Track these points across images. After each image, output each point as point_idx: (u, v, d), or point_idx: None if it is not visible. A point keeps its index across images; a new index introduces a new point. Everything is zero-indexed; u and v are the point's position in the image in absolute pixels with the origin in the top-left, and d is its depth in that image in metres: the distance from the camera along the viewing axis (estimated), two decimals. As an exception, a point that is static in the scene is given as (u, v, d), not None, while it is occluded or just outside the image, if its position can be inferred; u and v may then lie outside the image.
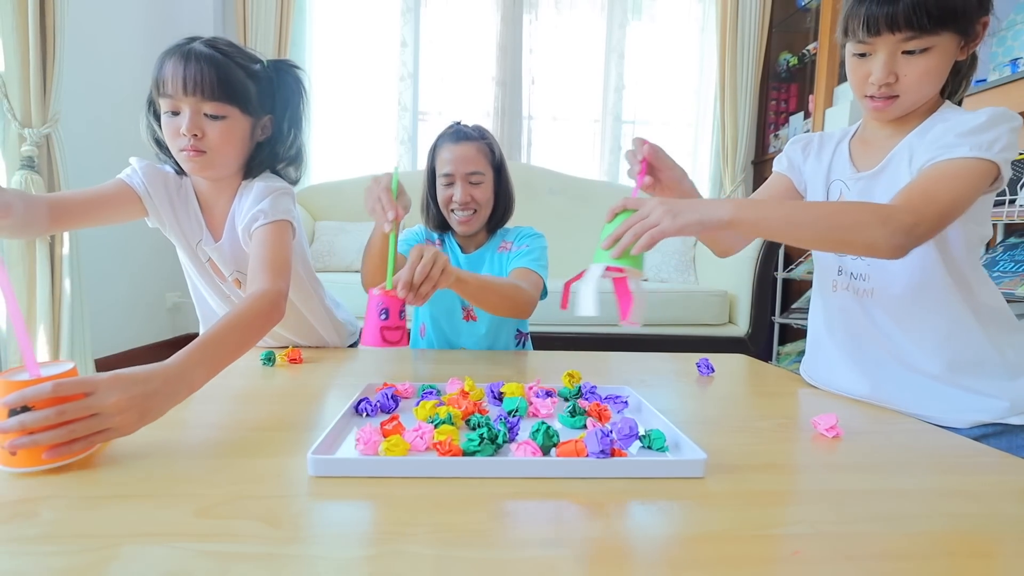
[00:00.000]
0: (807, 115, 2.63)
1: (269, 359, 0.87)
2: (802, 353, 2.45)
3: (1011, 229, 1.60)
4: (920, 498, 0.45)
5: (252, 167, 0.86)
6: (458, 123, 1.14)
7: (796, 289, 2.56)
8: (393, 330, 0.73)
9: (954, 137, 0.66)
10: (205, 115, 0.77)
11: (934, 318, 0.73)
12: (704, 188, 2.93)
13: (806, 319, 2.32)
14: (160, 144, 0.84)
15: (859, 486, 0.47)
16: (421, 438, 0.51)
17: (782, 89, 3.01)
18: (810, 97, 2.63)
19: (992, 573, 0.35)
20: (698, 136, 2.95)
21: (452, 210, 1.08)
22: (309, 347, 1.04)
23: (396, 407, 0.63)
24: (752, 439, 0.58)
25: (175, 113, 0.77)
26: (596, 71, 2.88)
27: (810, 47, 2.71)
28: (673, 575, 0.34)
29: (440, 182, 1.09)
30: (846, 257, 0.80)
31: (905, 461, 0.55)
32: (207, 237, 0.89)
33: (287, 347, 0.94)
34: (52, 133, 1.71)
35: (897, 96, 0.71)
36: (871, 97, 0.73)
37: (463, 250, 1.17)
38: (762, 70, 2.84)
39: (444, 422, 0.54)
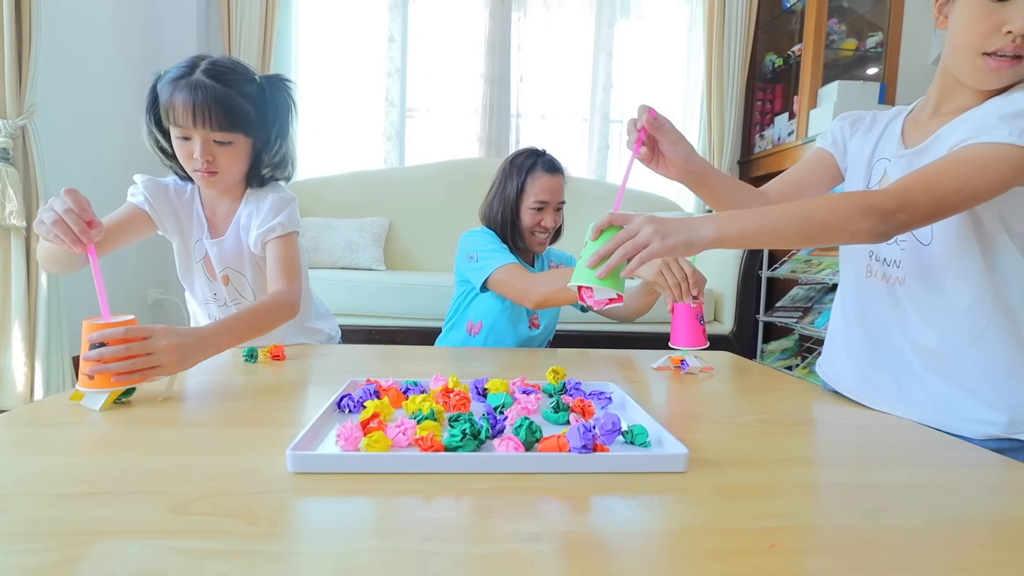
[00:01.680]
0: (792, 116, 2.66)
1: (251, 355, 0.86)
2: (786, 351, 2.47)
3: None
4: (896, 491, 0.46)
5: (252, 175, 0.96)
6: (544, 152, 1.23)
7: (780, 288, 2.59)
8: (703, 333, 0.90)
9: (997, 118, 0.59)
10: (214, 141, 0.85)
11: (963, 317, 0.66)
12: (691, 187, 2.95)
13: (790, 318, 2.35)
14: (164, 152, 0.91)
15: (836, 480, 0.48)
16: (403, 434, 0.50)
17: (768, 90, 3.04)
18: (795, 98, 2.66)
19: (966, 564, 0.36)
20: (685, 135, 2.97)
21: (534, 232, 1.20)
22: (292, 344, 1.03)
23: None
24: (734, 434, 0.59)
25: (186, 139, 0.85)
26: (584, 69, 2.88)
27: (795, 49, 2.74)
28: (652, 568, 0.34)
29: (531, 206, 1.18)
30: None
31: (881, 455, 0.56)
32: (207, 235, 0.96)
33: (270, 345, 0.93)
34: (28, 125, 1.67)
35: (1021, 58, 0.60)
36: (992, 55, 0.61)
37: (530, 263, 1.29)
38: (748, 71, 2.87)
39: (427, 418, 0.54)
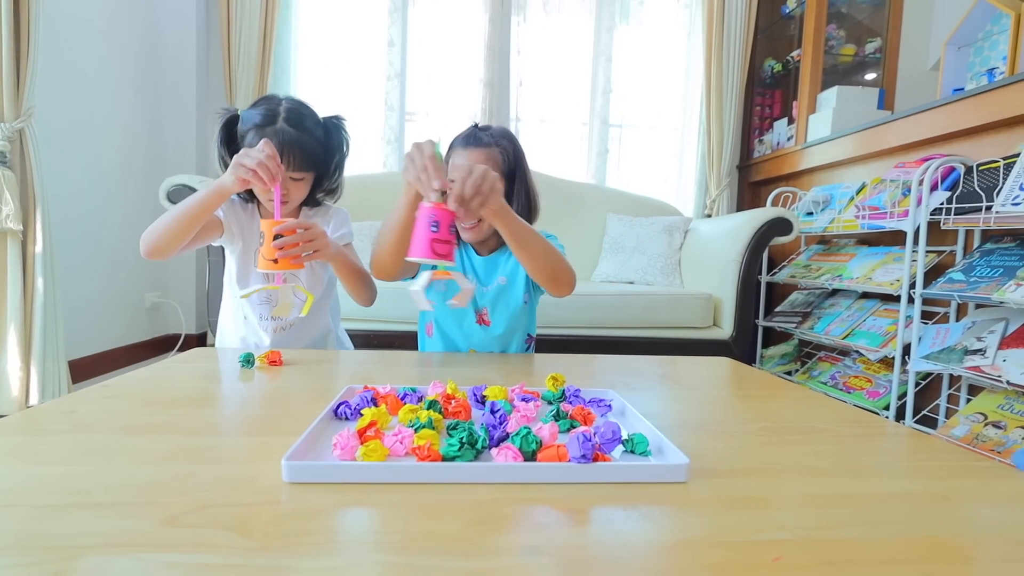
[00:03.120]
0: (791, 121, 2.67)
1: (248, 361, 0.85)
2: (785, 356, 2.46)
3: (987, 235, 1.63)
4: (901, 503, 0.45)
5: (307, 198, 1.11)
6: (476, 125, 1.08)
7: (780, 292, 2.58)
8: (443, 243, 0.71)
9: None
10: (289, 178, 1.00)
11: None
12: (689, 191, 2.96)
13: (789, 323, 2.35)
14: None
15: (841, 491, 0.47)
16: (400, 443, 0.50)
17: (767, 95, 3.05)
18: (794, 103, 2.67)
19: (970, 578, 0.35)
20: (684, 140, 2.97)
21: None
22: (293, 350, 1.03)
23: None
24: (735, 443, 0.58)
25: None
26: (584, 74, 2.89)
27: (794, 54, 2.75)
28: (654, 583, 0.33)
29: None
30: None
31: (887, 466, 0.55)
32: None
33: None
34: (26, 128, 1.67)
35: None
36: None
37: (477, 252, 1.12)
38: (747, 76, 2.87)
39: (425, 426, 0.53)
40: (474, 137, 1.04)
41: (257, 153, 0.86)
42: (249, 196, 1.10)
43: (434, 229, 0.70)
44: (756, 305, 2.48)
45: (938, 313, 1.77)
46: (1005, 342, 1.41)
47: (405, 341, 1.86)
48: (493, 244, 1.12)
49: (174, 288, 2.62)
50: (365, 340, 1.80)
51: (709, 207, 2.91)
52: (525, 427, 0.50)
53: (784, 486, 0.48)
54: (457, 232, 0.78)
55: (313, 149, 1.01)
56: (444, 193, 0.73)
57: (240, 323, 1.13)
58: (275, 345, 1.10)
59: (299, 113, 1.00)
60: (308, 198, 1.10)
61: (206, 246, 1.15)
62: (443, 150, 0.78)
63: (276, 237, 0.85)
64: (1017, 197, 1.38)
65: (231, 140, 1.02)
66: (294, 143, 0.97)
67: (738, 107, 2.85)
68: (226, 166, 0.99)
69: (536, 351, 1.18)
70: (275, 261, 0.84)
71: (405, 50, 2.77)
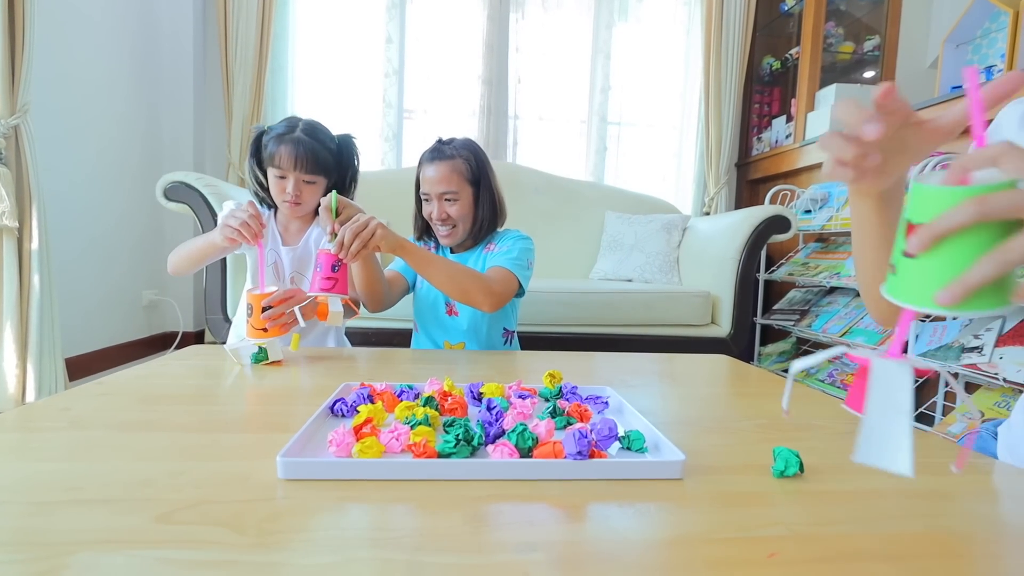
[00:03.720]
0: (789, 118, 2.67)
1: (260, 358, 0.86)
2: (783, 354, 2.46)
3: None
4: (896, 499, 0.45)
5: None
6: (440, 140, 1.19)
7: (778, 290, 2.59)
8: (325, 280, 0.91)
9: None
10: (303, 181, 1.11)
11: None
12: (688, 189, 2.96)
13: (787, 320, 2.35)
14: (260, 184, 1.18)
15: (835, 487, 0.47)
16: (396, 440, 0.50)
17: (765, 92, 3.05)
18: (792, 101, 2.66)
19: (969, 573, 0.35)
20: (683, 138, 2.97)
21: (435, 224, 1.18)
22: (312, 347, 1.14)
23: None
24: (731, 440, 0.58)
25: (282, 177, 1.10)
26: (582, 71, 2.88)
27: (792, 51, 2.74)
28: (649, 579, 0.33)
29: (422, 199, 1.18)
30: None
31: (881, 461, 0.55)
32: (280, 244, 1.19)
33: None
34: (21, 124, 1.66)
35: None
36: None
37: (452, 251, 1.24)
38: (746, 73, 2.87)
39: (421, 423, 0.53)
40: (438, 151, 1.16)
41: (241, 213, 0.95)
42: (267, 203, 1.20)
43: (318, 269, 0.91)
44: (754, 303, 2.49)
45: (935, 311, 1.77)
46: (1002, 339, 1.41)
47: (402, 339, 1.86)
48: (468, 244, 1.24)
49: (171, 286, 2.61)
50: (363, 338, 1.79)
51: (707, 205, 2.91)
52: (521, 424, 0.50)
53: (780, 483, 0.48)
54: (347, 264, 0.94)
55: (325, 157, 1.11)
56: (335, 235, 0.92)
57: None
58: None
59: (314, 127, 1.13)
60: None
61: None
62: (336, 204, 0.96)
63: (264, 309, 0.91)
64: (1014, 195, 1.38)
65: (259, 153, 1.15)
66: (308, 149, 1.08)
67: (736, 105, 2.85)
68: (255, 179, 1.16)
69: (536, 348, 1.18)
70: (264, 330, 0.90)
71: (403, 47, 2.76)
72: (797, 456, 0.49)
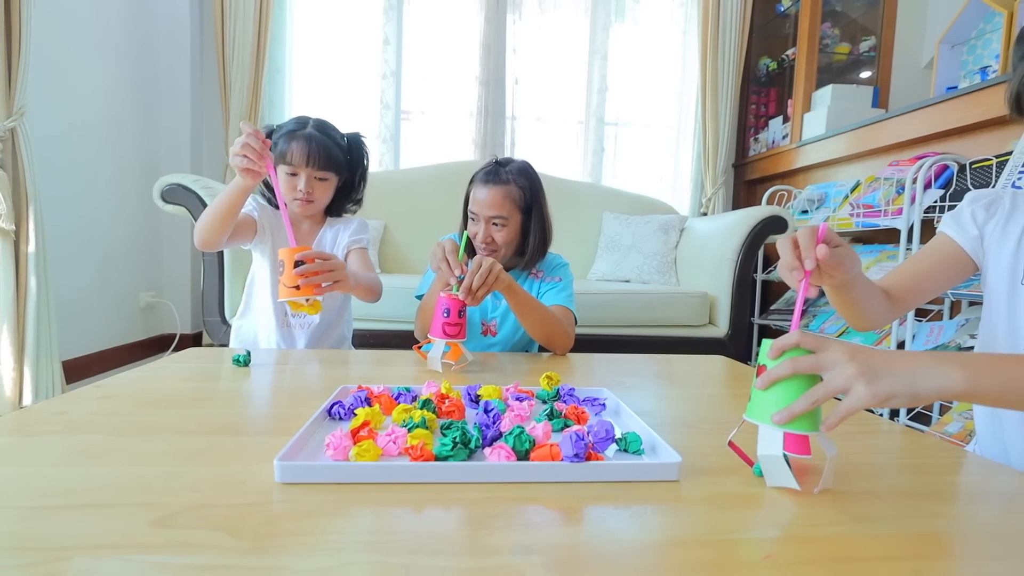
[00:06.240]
0: (786, 119, 2.67)
1: (242, 362, 0.85)
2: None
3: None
4: (891, 500, 0.45)
5: (332, 207, 1.21)
6: (495, 162, 1.14)
7: (775, 291, 2.59)
8: (452, 325, 0.88)
9: None
10: (315, 178, 1.10)
11: None
12: (685, 190, 2.96)
13: (785, 320, 2.35)
14: (267, 185, 1.17)
15: (833, 488, 0.47)
16: (394, 443, 0.50)
17: (762, 93, 3.05)
18: (789, 101, 2.67)
19: (963, 574, 0.35)
20: (680, 138, 2.98)
21: (480, 244, 1.14)
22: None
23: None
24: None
25: (294, 175, 1.09)
26: (579, 72, 2.88)
27: (789, 52, 2.75)
28: (645, 582, 0.33)
29: (469, 217, 1.14)
30: None
31: (879, 463, 0.55)
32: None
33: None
34: (17, 126, 1.65)
35: None
36: None
37: None
38: (742, 74, 2.88)
39: (418, 426, 0.53)
40: (494, 174, 1.12)
41: (239, 138, 0.88)
42: (270, 204, 1.18)
43: (446, 315, 0.87)
44: (751, 303, 2.49)
45: (932, 311, 1.78)
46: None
47: (402, 341, 1.86)
48: (510, 266, 1.19)
49: (169, 288, 2.60)
50: (361, 339, 1.79)
51: (705, 205, 2.91)
52: (518, 426, 0.50)
53: (776, 484, 0.48)
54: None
55: (336, 154, 1.11)
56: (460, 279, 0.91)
57: (274, 328, 1.15)
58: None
59: (325, 124, 1.12)
60: (335, 207, 1.19)
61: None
62: (463, 251, 0.95)
63: (297, 264, 0.85)
64: (1010, 195, 1.39)
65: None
66: (320, 145, 1.08)
67: (733, 105, 2.86)
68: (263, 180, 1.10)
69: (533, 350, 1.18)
70: (296, 288, 0.84)
71: (400, 48, 2.76)
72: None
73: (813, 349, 0.46)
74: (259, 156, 0.88)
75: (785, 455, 0.45)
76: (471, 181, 1.15)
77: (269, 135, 1.11)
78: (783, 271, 0.54)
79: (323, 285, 0.89)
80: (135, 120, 2.42)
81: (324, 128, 1.11)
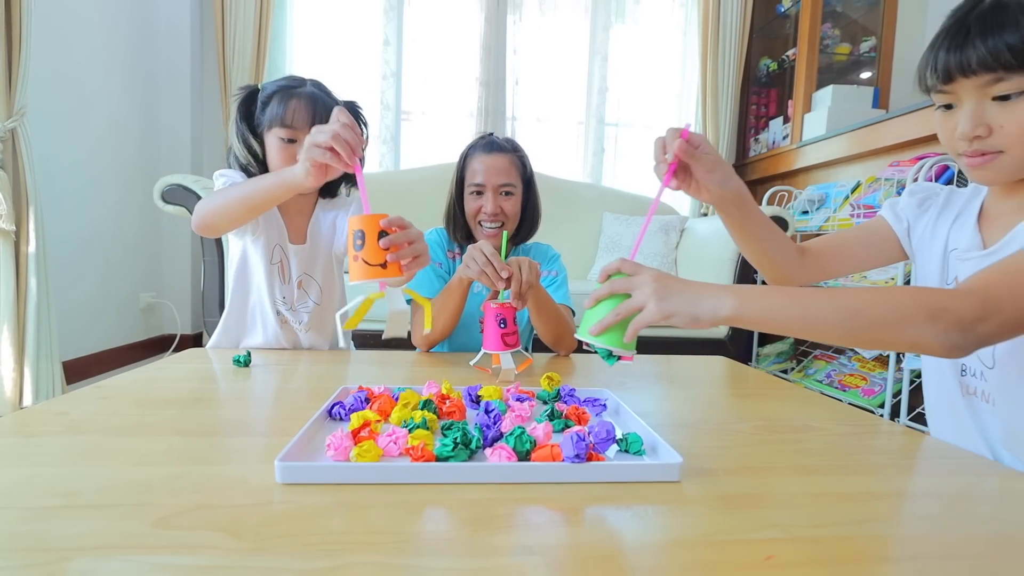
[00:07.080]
0: (786, 120, 2.67)
1: (242, 362, 0.85)
2: (781, 355, 2.47)
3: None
4: (893, 500, 0.45)
5: (326, 187, 1.06)
6: (491, 135, 1.12)
7: (775, 291, 2.59)
8: (511, 335, 0.83)
9: None
10: None
11: None
12: (686, 191, 2.96)
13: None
14: (254, 154, 0.99)
15: (832, 489, 0.47)
16: (395, 443, 0.50)
17: (762, 94, 3.06)
18: (789, 102, 2.67)
19: (966, 575, 0.35)
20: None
21: (480, 222, 1.07)
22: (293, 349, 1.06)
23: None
24: (729, 442, 0.58)
25: (291, 140, 0.92)
26: (579, 73, 2.89)
27: (789, 53, 2.75)
28: (647, 582, 0.33)
29: (469, 192, 1.07)
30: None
31: (880, 464, 0.55)
32: (287, 240, 1.02)
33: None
34: (18, 127, 1.65)
35: (999, 152, 0.57)
36: (964, 155, 0.60)
37: None
38: (743, 75, 2.88)
39: (419, 426, 0.53)
40: (496, 144, 1.08)
41: (332, 125, 0.69)
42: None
43: (503, 325, 0.83)
44: (752, 304, 2.49)
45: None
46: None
47: (402, 341, 1.86)
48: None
49: (168, 288, 2.60)
50: (361, 340, 1.79)
51: (705, 206, 2.92)
52: (519, 427, 0.50)
53: (778, 485, 0.48)
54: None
55: None
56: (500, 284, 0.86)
57: (273, 325, 1.05)
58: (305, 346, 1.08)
59: (323, 85, 1.00)
60: (330, 185, 1.05)
61: (203, 244, 1.11)
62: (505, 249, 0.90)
63: (381, 235, 0.64)
64: (1010, 196, 1.39)
65: (250, 116, 0.97)
66: (324, 105, 0.93)
67: (734, 106, 2.86)
68: (245, 142, 0.98)
69: (534, 350, 1.18)
70: (383, 266, 0.62)
71: (401, 49, 2.77)
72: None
73: (630, 273, 0.55)
74: (351, 154, 0.69)
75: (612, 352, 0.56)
76: (465, 156, 1.09)
77: (253, 96, 0.97)
78: (655, 170, 0.63)
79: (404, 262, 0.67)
80: (135, 120, 2.43)
81: (323, 87, 0.98)
